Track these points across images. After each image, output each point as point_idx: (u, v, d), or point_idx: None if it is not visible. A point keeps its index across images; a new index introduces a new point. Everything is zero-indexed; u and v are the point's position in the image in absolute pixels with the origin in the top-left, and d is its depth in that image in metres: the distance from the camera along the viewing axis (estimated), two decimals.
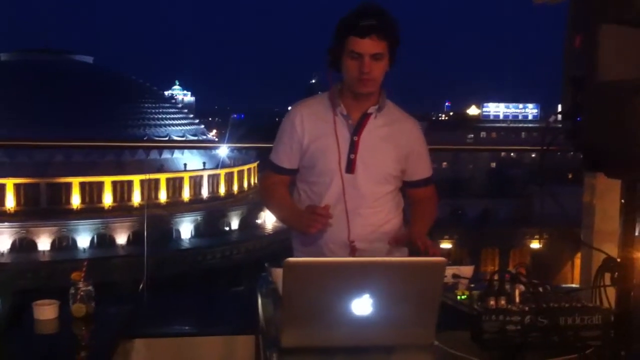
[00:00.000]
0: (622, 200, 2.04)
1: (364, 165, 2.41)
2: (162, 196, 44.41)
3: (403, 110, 2.55)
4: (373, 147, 2.43)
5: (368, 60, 2.29)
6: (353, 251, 2.41)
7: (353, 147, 2.41)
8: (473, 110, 75.82)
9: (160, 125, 50.32)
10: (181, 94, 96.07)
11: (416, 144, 2.52)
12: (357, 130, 2.42)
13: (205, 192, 46.90)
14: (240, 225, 44.98)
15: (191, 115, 58.34)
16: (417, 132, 2.54)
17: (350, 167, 2.41)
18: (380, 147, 2.44)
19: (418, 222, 2.52)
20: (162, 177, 44.18)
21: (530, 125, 64.70)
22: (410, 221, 2.56)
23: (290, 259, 1.63)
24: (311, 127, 2.46)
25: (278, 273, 1.88)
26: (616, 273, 2.00)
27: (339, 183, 2.40)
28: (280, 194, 2.56)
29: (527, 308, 1.77)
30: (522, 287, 1.87)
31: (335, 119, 2.42)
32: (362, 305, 1.64)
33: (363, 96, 2.41)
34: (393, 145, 2.45)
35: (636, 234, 2.02)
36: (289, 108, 2.65)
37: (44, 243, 39.48)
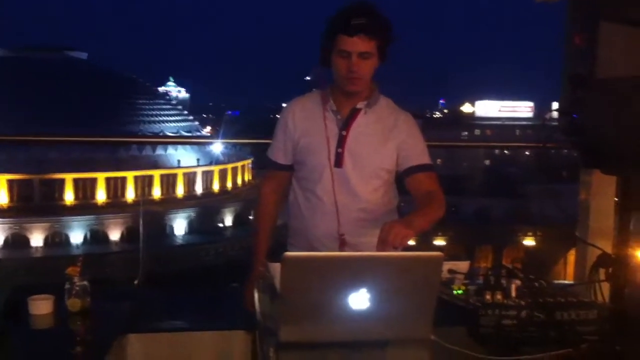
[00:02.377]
0: (617, 197, 2.06)
1: (352, 159, 2.43)
2: (156, 193, 44.36)
3: (397, 106, 2.54)
4: (362, 141, 2.44)
5: (356, 58, 2.31)
6: (342, 244, 2.43)
7: (341, 142, 2.44)
8: (467, 108, 75.83)
9: (154, 122, 50.24)
10: (175, 91, 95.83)
11: (409, 136, 2.49)
12: (345, 125, 2.45)
13: (199, 189, 46.88)
14: (234, 221, 44.94)
15: (185, 112, 58.23)
16: (409, 125, 2.51)
17: (339, 161, 2.43)
18: (369, 141, 2.45)
19: (408, 215, 2.36)
20: (156, 173, 44.13)
21: (524, 122, 64.69)
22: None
23: (288, 253, 1.64)
24: (302, 124, 2.51)
25: (276, 268, 1.88)
26: (611, 269, 2.02)
27: (329, 177, 2.43)
28: (264, 218, 2.69)
29: (523, 303, 1.78)
30: (518, 282, 1.88)
31: (325, 114, 2.46)
32: (360, 300, 1.64)
33: (353, 93, 2.44)
34: (383, 139, 2.46)
35: (631, 229, 2.04)
36: (284, 105, 2.67)
37: (37, 239, 39.38)
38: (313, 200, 2.47)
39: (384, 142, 2.46)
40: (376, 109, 2.47)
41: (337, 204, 2.42)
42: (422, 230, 2.34)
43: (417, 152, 2.49)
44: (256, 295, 2.20)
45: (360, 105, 2.45)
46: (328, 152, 2.43)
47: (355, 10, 2.30)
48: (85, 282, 2.54)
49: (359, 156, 2.43)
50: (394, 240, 2.05)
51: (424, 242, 38.25)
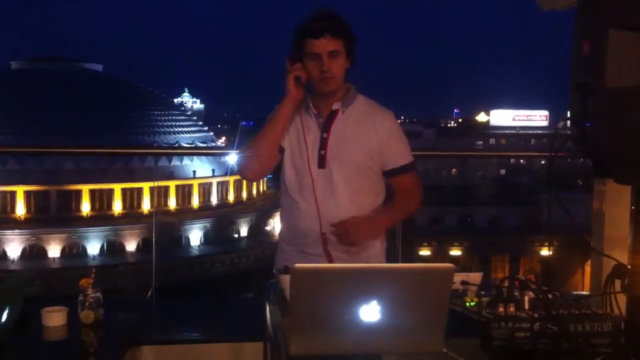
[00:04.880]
0: (633, 207, 2.03)
1: (334, 159, 2.51)
2: (172, 203, 44.54)
3: (376, 103, 2.62)
4: (343, 142, 2.52)
5: (326, 58, 2.41)
6: (325, 242, 2.48)
7: (323, 144, 2.52)
8: (482, 117, 75.55)
9: (170, 133, 50.49)
10: (190, 102, 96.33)
11: (389, 133, 2.57)
12: (325, 126, 2.53)
13: (214, 199, 47.02)
14: (249, 232, 45.03)
15: (200, 123, 58.47)
16: (389, 122, 2.59)
17: (322, 162, 2.51)
18: (349, 141, 2.52)
19: (379, 211, 2.57)
20: (172, 184, 44.31)
21: (539, 132, 64.31)
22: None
23: (298, 265, 1.63)
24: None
25: (286, 279, 1.88)
26: (627, 280, 1.99)
27: (309, 179, 2.50)
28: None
29: (536, 315, 1.76)
30: (531, 294, 1.86)
31: (303, 118, 2.55)
32: (370, 312, 1.63)
33: (328, 94, 2.52)
34: (364, 137, 2.53)
35: None
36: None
37: (54, 250, 39.64)
38: (296, 201, 2.55)
39: (364, 141, 2.53)
40: (354, 108, 2.55)
41: (319, 204, 2.49)
42: (392, 223, 2.71)
43: (398, 153, 2.59)
44: (267, 307, 2.19)
45: (336, 106, 2.53)
46: (307, 155, 2.51)
47: (317, 15, 2.45)
48: (99, 294, 2.54)
49: (341, 156, 2.51)
50: (353, 237, 2.41)
51: (440, 253, 38.25)
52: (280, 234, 2.71)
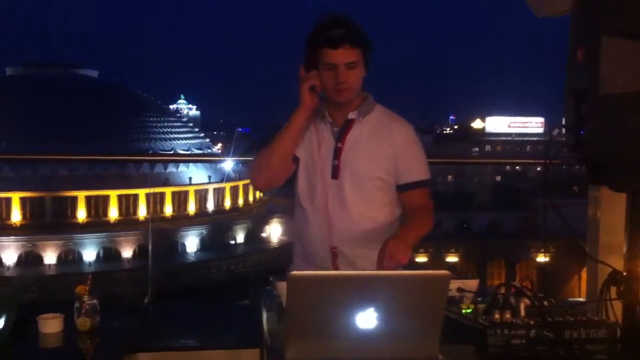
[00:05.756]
0: (627, 213, 2.04)
1: (347, 170, 2.43)
2: (168, 210, 44.48)
3: (394, 114, 2.53)
4: (357, 152, 2.44)
5: (343, 69, 2.32)
6: (335, 256, 2.42)
7: (337, 153, 2.44)
8: (477, 124, 75.53)
9: (166, 139, 50.47)
10: (186, 108, 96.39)
11: (405, 146, 2.47)
12: (340, 136, 2.45)
13: (210, 206, 46.96)
14: (245, 238, 44.97)
15: (196, 129, 58.46)
16: (406, 134, 2.49)
17: (335, 173, 2.44)
18: (365, 151, 2.44)
19: (401, 229, 2.38)
20: (168, 190, 44.28)
21: (535, 138, 64.36)
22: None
23: (294, 272, 1.63)
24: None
25: (282, 286, 1.88)
26: (622, 286, 2.00)
27: (322, 189, 2.44)
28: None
29: (532, 322, 1.77)
30: (527, 301, 1.87)
31: (318, 127, 2.47)
32: (367, 319, 1.63)
33: (344, 104, 2.44)
34: (379, 149, 2.45)
35: None
36: None
37: (50, 257, 39.53)
38: (308, 212, 2.48)
39: (379, 152, 2.45)
40: (370, 118, 2.47)
41: (330, 216, 2.43)
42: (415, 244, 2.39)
43: (411, 167, 2.47)
44: (264, 314, 2.19)
45: (352, 115, 2.45)
46: (322, 165, 2.44)
47: (333, 22, 2.33)
48: (95, 301, 2.54)
49: (355, 167, 2.43)
50: (395, 260, 2.10)
51: (437, 259, 38.25)
52: (293, 247, 2.62)
